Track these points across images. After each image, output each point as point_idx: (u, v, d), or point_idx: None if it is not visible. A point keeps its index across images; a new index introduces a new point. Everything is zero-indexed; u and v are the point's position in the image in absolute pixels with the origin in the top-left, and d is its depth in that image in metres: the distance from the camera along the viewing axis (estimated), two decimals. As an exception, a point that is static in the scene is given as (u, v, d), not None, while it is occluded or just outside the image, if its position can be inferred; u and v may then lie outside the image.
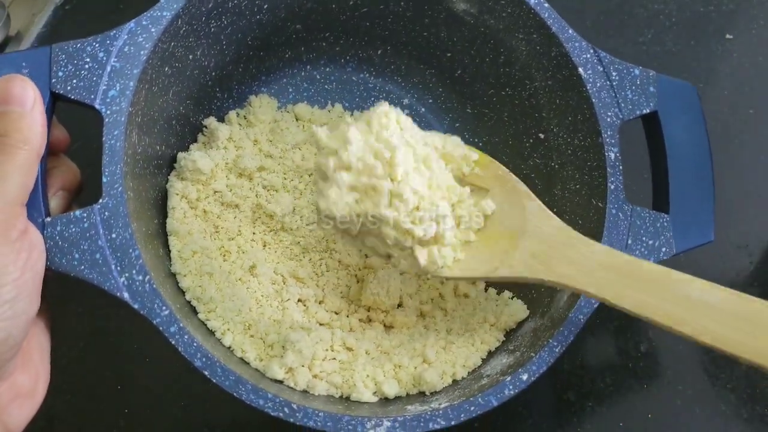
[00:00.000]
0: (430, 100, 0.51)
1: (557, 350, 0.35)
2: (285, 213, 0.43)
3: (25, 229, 0.29)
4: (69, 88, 0.33)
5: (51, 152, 0.33)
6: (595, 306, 0.36)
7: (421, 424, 0.34)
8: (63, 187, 0.33)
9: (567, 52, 0.41)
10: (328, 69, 0.50)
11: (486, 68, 0.48)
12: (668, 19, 0.62)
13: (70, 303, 0.48)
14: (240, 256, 0.42)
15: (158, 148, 0.41)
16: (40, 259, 0.30)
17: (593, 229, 0.39)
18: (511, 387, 0.35)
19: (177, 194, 0.42)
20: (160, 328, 0.33)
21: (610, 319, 0.46)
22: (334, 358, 0.40)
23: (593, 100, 0.40)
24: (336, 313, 0.42)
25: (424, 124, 0.50)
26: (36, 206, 0.31)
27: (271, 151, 0.46)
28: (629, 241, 0.38)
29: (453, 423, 0.34)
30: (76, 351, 0.46)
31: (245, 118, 0.47)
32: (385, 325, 0.42)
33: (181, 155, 0.43)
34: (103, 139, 0.33)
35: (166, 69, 0.38)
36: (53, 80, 0.32)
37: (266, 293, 0.41)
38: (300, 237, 0.44)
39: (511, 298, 0.43)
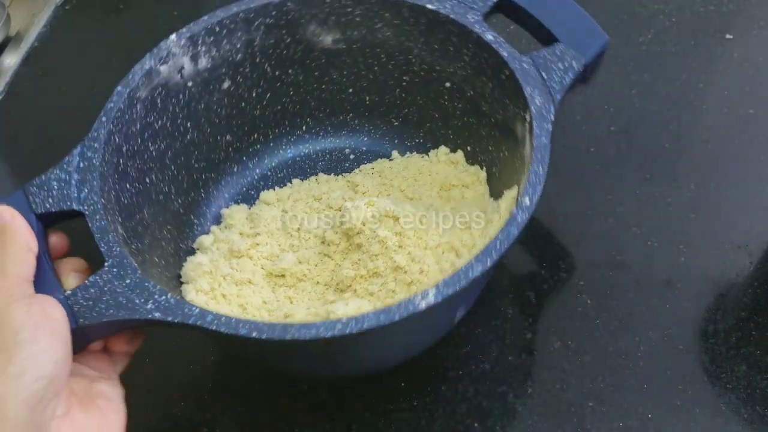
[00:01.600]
0: (365, 138, 0.54)
1: (541, 172, 0.38)
2: (292, 265, 0.45)
3: (32, 293, 0.33)
4: (47, 206, 0.38)
5: (55, 256, 0.38)
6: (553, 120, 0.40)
7: (462, 279, 0.34)
8: (74, 269, 0.37)
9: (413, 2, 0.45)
10: (273, 163, 0.54)
11: (380, 76, 0.51)
12: (668, 19, 0.62)
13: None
14: (272, 313, 0.43)
15: (156, 255, 0.44)
16: (60, 313, 0.32)
17: (515, 88, 0.42)
18: (522, 212, 0.36)
19: (192, 291, 0.44)
20: (198, 324, 0.33)
21: (610, 320, 0.46)
22: None
23: (452, 17, 0.45)
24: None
25: (371, 158, 0.54)
26: (53, 287, 0.35)
27: (256, 231, 0.48)
28: (545, 75, 0.42)
29: (496, 258, 0.34)
30: (76, 351, 0.46)
31: (224, 225, 0.50)
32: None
33: (180, 273, 0.46)
34: (90, 225, 0.37)
35: (127, 185, 0.42)
36: (33, 206, 0.38)
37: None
38: (317, 277, 0.45)
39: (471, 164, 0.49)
